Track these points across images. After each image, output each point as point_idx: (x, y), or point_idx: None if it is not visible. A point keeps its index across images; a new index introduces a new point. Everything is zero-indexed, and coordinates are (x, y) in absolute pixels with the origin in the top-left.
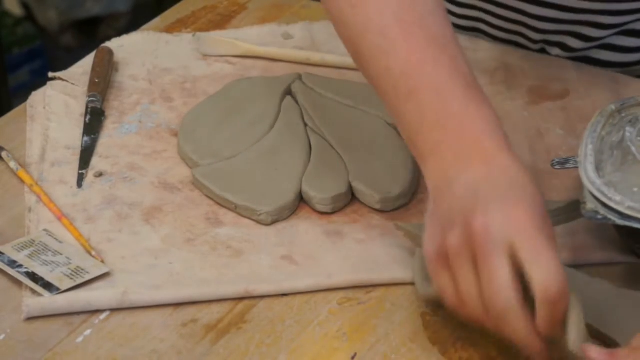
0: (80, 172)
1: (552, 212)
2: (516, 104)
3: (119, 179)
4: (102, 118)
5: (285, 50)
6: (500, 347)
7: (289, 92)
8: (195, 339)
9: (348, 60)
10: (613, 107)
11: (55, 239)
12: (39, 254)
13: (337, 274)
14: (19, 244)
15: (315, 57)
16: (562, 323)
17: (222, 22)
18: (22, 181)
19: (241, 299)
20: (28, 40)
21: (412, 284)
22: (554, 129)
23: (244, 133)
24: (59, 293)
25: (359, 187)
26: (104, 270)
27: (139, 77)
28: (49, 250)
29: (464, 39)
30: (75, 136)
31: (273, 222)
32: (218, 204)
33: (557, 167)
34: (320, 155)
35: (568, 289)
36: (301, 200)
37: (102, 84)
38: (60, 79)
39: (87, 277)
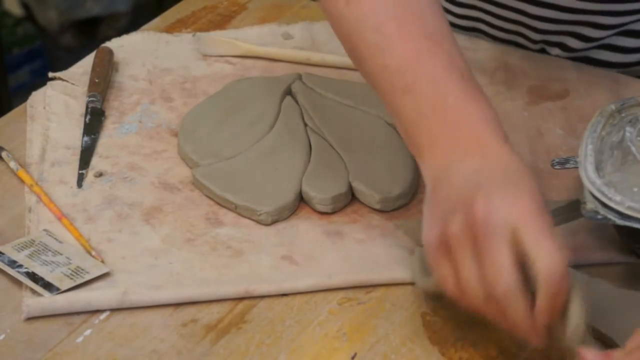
0: (80, 172)
1: (552, 212)
2: (516, 104)
3: (119, 179)
4: (102, 118)
5: (285, 50)
6: (500, 347)
7: (289, 92)
8: (195, 339)
9: (348, 60)
10: (613, 107)
11: (55, 239)
12: (39, 254)
13: (337, 274)
14: (19, 244)
15: (315, 57)
16: (561, 311)
17: (222, 22)
18: (22, 181)
19: (241, 299)
20: (28, 40)
21: (412, 284)
22: (554, 129)
23: (244, 133)
24: (59, 293)
25: (359, 187)
26: (104, 270)
27: (139, 77)
28: (49, 250)
29: (464, 39)
30: (75, 136)
31: (273, 222)
32: (218, 204)
33: (557, 167)
34: (320, 155)
35: (569, 276)
36: (301, 200)
37: (102, 84)
38: (60, 79)
39: (87, 277)
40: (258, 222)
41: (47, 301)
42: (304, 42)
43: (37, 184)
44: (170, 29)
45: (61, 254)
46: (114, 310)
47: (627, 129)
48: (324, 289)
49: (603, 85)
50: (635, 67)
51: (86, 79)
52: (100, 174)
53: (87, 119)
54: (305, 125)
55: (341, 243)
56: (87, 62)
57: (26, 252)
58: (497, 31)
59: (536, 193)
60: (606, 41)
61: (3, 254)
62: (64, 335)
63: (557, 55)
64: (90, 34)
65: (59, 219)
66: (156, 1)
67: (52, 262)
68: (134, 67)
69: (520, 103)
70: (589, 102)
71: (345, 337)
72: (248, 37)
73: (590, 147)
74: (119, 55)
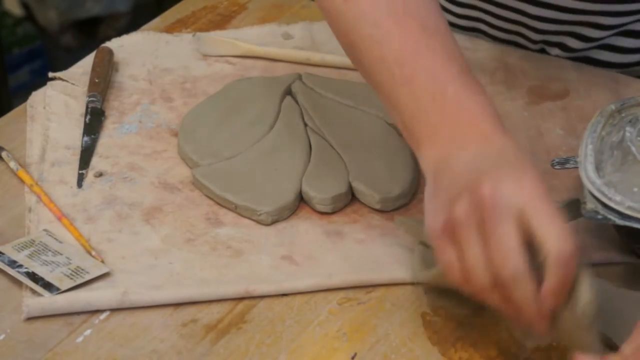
0: (80, 172)
1: None
2: (516, 104)
3: (119, 179)
4: (102, 118)
5: (285, 50)
6: (500, 347)
7: (289, 92)
8: (195, 339)
9: (348, 61)
10: (613, 107)
11: (55, 239)
12: (39, 254)
13: (337, 274)
14: (19, 244)
15: (315, 57)
16: (568, 294)
17: (222, 22)
18: (22, 181)
19: (241, 299)
20: (28, 40)
21: (412, 284)
22: (554, 129)
23: (244, 133)
24: (59, 293)
25: (359, 187)
26: (104, 270)
27: (139, 77)
28: (49, 250)
29: (464, 39)
30: (75, 136)
31: (273, 222)
32: (218, 204)
33: (557, 167)
34: (320, 155)
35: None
36: (301, 200)
37: (102, 84)
38: (60, 79)
39: (87, 277)
40: (258, 222)
41: (47, 301)
42: (304, 42)
43: (37, 184)
44: (170, 29)
45: (61, 254)
46: (114, 310)
47: (627, 129)
48: (324, 289)
49: (603, 85)
50: (635, 67)
51: (86, 79)
52: (100, 174)
53: (87, 119)
54: (305, 125)
55: (341, 243)
56: (87, 62)
57: (26, 252)
58: (497, 31)
59: (540, 178)
60: (606, 41)
61: (3, 254)
62: (64, 335)
63: (557, 55)
64: (90, 34)
65: (59, 219)
66: (156, 1)
67: (52, 262)
68: (134, 67)
69: (520, 103)
70: (589, 102)
71: (345, 337)
72: (248, 37)
73: (590, 147)
74: (119, 55)
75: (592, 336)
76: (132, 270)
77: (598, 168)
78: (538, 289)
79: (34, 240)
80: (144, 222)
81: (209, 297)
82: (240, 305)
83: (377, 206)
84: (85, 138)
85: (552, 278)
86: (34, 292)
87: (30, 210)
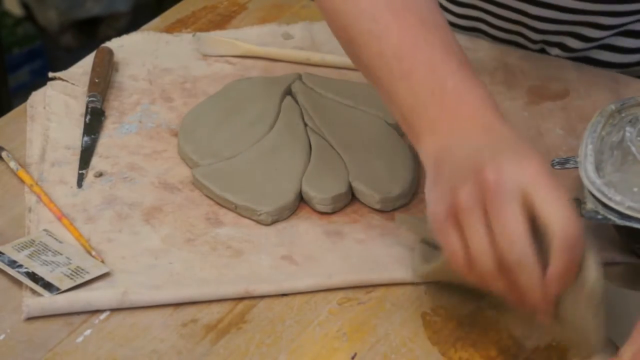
0: (80, 172)
1: None
2: (516, 104)
3: (119, 179)
4: (102, 118)
5: (285, 50)
6: (500, 347)
7: (289, 92)
8: (195, 339)
9: (348, 60)
10: (613, 107)
11: (55, 239)
12: (39, 254)
13: (337, 274)
14: (19, 244)
15: (315, 57)
16: (574, 277)
17: (222, 22)
18: (22, 181)
19: (241, 299)
20: (28, 40)
21: (412, 284)
22: (554, 129)
23: (244, 133)
24: (59, 293)
25: (359, 187)
26: (104, 270)
27: (139, 77)
28: (49, 250)
29: (464, 39)
30: (75, 136)
31: (273, 222)
32: (218, 204)
33: (557, 167)
34: (320, 155)
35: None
36: (301, 200)
37: (102, 84)
38: (60, 79)
39: (87, 277)
40: (258, 222)
41: (47, 301)
42: (304, 42)
43: (37, 184)
44: (170, 29)
45: (61, 254)
46: (114, 310)
47: (627, 129)
48: (324, 289)
49: (603, 85)
50: (635, 67)
51: (86, 79)
52: (100, 174)
53: (87, 119)
54: (305, 125)
55: (341, 243)
56: (87, 62)
57: (26, 252)
58: (497, 31)
59: (543, 161)
60: (606, 41)
61: (3, 254)
62: (64, 335)
63: (557, 55)
64: (90, 34)
65: (59, 219)
66: (156, 1)
67: (52, 262)
68: (134, 67)
69: (520, 103)
70: (589, 102)
71: (345, 337)
72: (248, 37)
73: (590, 147)
74: (119, 55)
75: (599, 319)
76: (132, 270)
77: (598, 168)
78: (543, 273)
79: (34, 240)
80: (144, 222)
81: (209, 297)
82: (240, 305)
83: (377, 206)
84: (85, 138)
85: (558, 262)
86: (34, 292)
87: (30, 210)
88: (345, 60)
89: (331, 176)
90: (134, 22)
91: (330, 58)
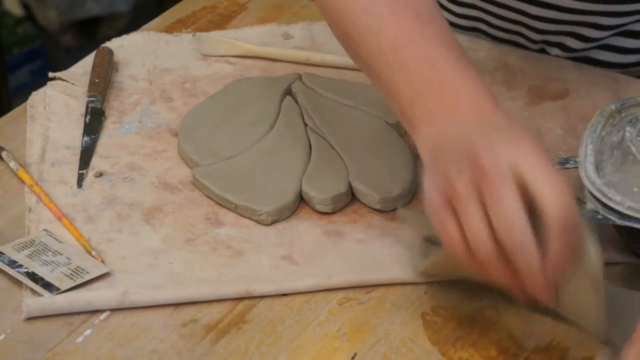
0: (80, 172)
1: None
2: (516, 104)
3: (119, 179)
4: (102, 118)
5: (285, 50)
6: (500, 347)
7: (289, 92)
8: (195, 339)
9: (348, 60)
10: (613, 107)
11: (55, 239)
12: (39, 254)
13: (337, 274)
14: (19, 244)
15: (315, 57)
16: (573, 258)
17: (222, 22)
18: (22, 181)
19: (241, 299)
20: (28, 40)
21: (412, 284)
22: (554, 129)
23: (244, 133)
24: (59, 293)
25: (359, 187)
26: (104, 270)
27: (139, 77)
28: (49, 250)
29: (464, 39)
30: (75, 136)
31: (273, 222)
32: (218, 204)
33: (557, 167)
34: (320, 155)
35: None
36: (301, 200)
37: (102, 84)
38: (60, 79)
39: (87, 277)
40: (258, 222)
41: (47, 301)
42: (304, 42)
43: (37, 184)
44: (170, 29)
45: (61, 254)
46: (114, 310)
47: (627, 129)
48: (324, 289)
49: (603, 85)
50: (635, 67)
51: (86, 79)
52: (100, 174)
53: (87, 119)
54: (305, 125)
55: (341, 243)
56: (87, 62)
57: (26, 252)
58: (497, 31)
59: (537, 143)
60: (606, 41)
61: (3, 254)
62: (64, 335)
63: (557, 55)
64: (90, 34)
65: (59, 219)
66: (156, 1)
67: (52, 262)
68: (134, 67)
69: (520, 103)
70: (589, 102)
71: (345, 337)
72: (248, 37)
73: (590, 147)
74: (119, 55)
75: (601, 300)
76: (132, 270)
77: (598, 168)
78: (542, 257)
79: (34, 240)
80: (144, 222)
81: (209, 297)
82: (240, 305)
83: (377, 206)
84: (85, 138)
85: (556, 243)
86: (34, 292)
87: (30, 210)
88: (345, 60)
89: (331, 176)
90: (134, 22)
91: (330, 58)
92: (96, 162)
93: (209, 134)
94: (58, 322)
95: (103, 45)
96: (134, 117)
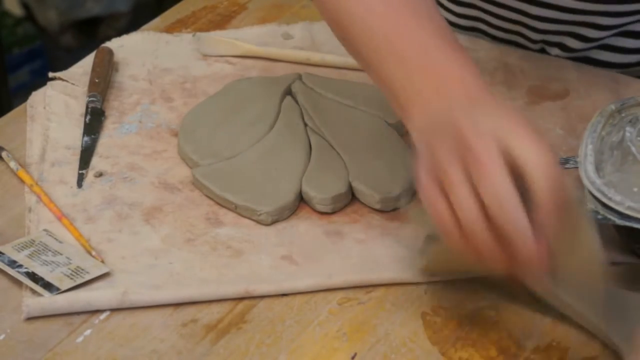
0: (80, 172)
1: None
2: (516, 104)
3: (119, 179)
4: (102, 118)
5: (285, 50)
6: (500, 347)
7: (289, 92)
8: (195, 339)
9: (348, 60)
10: (613, 107)
11: (55, 239)
12: (39, 254)
13: (337, 274)
14: (19, 244)
15: (315, 57)
16: (563, 216)
17: (222, 22)
18: (22, 181)
19: (241, 299)
20: (28, 40)
21: (412, 284)
22: (554, 129)
23: (244, 133)
24: (59, 293)
25: (359, 187)
26: (104, 270)
27: (139, 77)
28: (49, 250)
29: (464, 39)
30: (75, 136)
31: (273, 222)
32: (218, 204)
33: None
34: (320, 155)
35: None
36: (301, 200)
37: (102, 84)
38: (60, 79)
39: (87, 277)
40: (258, 222)
41: (47, 301)
42: (304, 42)
43: (37, 184)
44: (170, 29)
45: (61, 254)
46: (114, 310)
47: (627, 129)
48: (324, 289)
49: (603, 85)
50: (635, 67)
51: (86, 79)
52: (100, 174)
53: (87, 119)
54: (305, 125)
55: (341, 243)
56: (87, 62)
57: (26, 252)
58: (497, 31)
59: (520, 114)
60: (605, 42)
61: (3, 254)
62: (64, 335)
63: (557, 55)
64: (90, 34)
65: (59, 219)
66: (156, 1)
67: (52, 262)
68: (134, 67)
69: (520, 103)
70: (589, 102)
71: (345, 337)
72: (248, 37)
73: (590, 147)
74: (119, 55)
75: (601, 276)
76: (132, 270)
77: (598, 168)
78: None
79: (34, 240)
80: (144, 222)
81: (209, 297)
82: (240, 305)
83: (377, 206)
84: (85, 138)
85: (544, 205)
86: (34, 292)
87: (30, 210)
88: (345, 60)
89: (331, 176)
90: (134, 22)
91: (330, 58)
92: (96, 162)
93: (209, 134)
94: (58, 322)
95: (103, 45)
96: (134, 117)
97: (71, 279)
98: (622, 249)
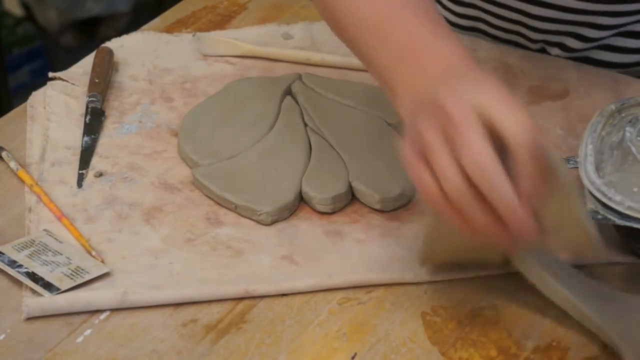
0: (80, 172)
1: None
2: None
3: (119, 179)
4: (102, 118)
5: (285, 50)
6: (500, 347)
7: (289, 92)
8: (195, 339)
9: (348, 60)
10: (613, 107)
11: (55, 239)
12: (39, 254)
13: (337, 274)
14: (19, 244)
15: (315, 57)
16: (547, 177)
17: (222, 22)
18: (22, 181)
19: (241, 299)
20: (28, 40)
21: (412, 284)
22: (554, 129)
23: (244, 133)
24: (59, 293)
25: (359, 187)
26: (104, 270)
27: (139, 77)
28: (49, 250)
29: (464, 39)
30: (75, 136)
31: (273, 222)
32: (218, 204)
33: None
34: (320, 155)
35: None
36: (301, 200)
37: (102, 84)
38: (60, 79)
39: (87, 277)
40: (258, 222)
41: (47, 301)
42: (304, 42)
43: (37, 184)
44: (170, 29)
45: (61, 254)
46: (114, 310)
47: (627, 129)
48: (324, 289)
49: (603, 85)
50: (635, 67)
51: (86, 79)
52: (100, 174)
53: (87, 119)
54: (305, 125)
55: (341, 243)
56: (87, 62)
57: (26, 252)
58: (497, 31)
59: (500, 84)
60: (606, 42)
61: (3, 254)
62: (64, 335)
63: (557, 55)
64: (90, 34)
65: (59, 219)
66: (156, 1)
67: (52, 262)
68: (134, 67)
69: (520, 103)
70: (589, 102)
71: (345, 337)
72: (248, 37)
73: (590, 147)
74: (119, 55)
75: (584, 211)
76: (132, 270)
77: (598, 168)
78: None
79: (34, 240)
80: (144, 222)
81: (209, 297)
82: (240, 305)
83: (377, 206)
84: (85, 138)
85: (525, 169)
86: (34, 292)
87: (30, 210)
88: (345, 60)
89: (331, 176)
90: (134, 22)
91: (330, 58)
92: (96, 162)
93: (209, 134)
94: (58, 322)
95: (103, 45)
96: (134, 117)
97: (71, 279)
98: (622, 249)
